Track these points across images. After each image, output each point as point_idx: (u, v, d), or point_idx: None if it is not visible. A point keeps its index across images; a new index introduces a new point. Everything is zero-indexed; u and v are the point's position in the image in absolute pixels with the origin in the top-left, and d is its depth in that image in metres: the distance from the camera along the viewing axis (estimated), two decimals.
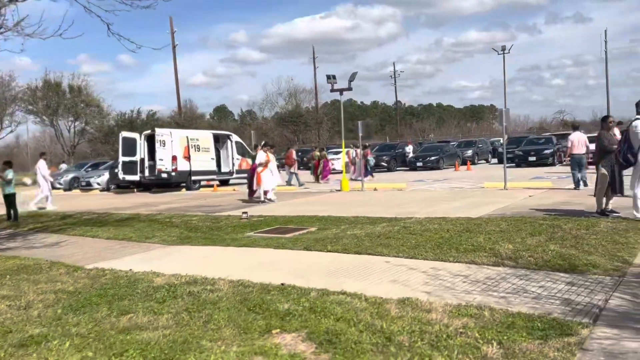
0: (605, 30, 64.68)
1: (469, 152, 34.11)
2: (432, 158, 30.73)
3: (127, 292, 5.43)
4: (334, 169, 28.33)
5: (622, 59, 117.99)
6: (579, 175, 14.50)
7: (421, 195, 15.25)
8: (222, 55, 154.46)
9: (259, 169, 15.59)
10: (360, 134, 18.00)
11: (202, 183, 24.47)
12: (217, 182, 24.76)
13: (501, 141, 45.66)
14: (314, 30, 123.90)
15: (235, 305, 4.76)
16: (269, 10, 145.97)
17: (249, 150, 27.42)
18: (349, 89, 18.35)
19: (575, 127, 15.84)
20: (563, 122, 65.53)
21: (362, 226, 9.51)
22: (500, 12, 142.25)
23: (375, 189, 18.17)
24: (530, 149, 28.19)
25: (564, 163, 28.38)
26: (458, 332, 3.87)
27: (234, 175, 26.16)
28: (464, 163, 31.28)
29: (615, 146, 8.90)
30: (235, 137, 26.58)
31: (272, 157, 16.03)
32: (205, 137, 24.54)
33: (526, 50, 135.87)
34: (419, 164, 30.57)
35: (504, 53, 51.12)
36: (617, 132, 10.55)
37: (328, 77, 18.51)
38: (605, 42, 59.28)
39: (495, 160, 35.17)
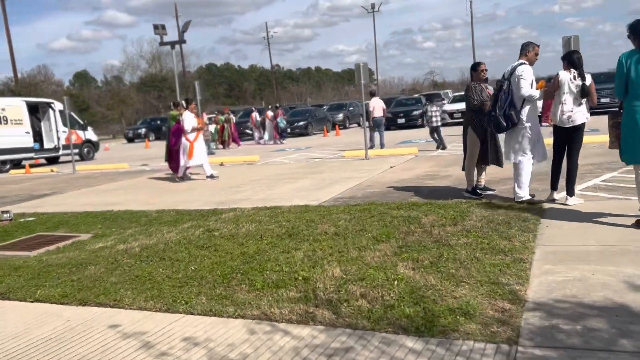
0: None
1: (340, 116, 32.07)
2: (300, 123, 28.24)
3: None
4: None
5: (486, 22, 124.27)
6: (377, 138, 16.11)
7: (269, 171, 12.53)
8: (87, 18, 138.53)
9: (190, 137, 11.13)
10: (198, 97, 14.76)
11: (38, 161, 19.88)
12: (34, 162, 20.22)
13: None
14: None
15: None
16: None
17: (79, 120, 22.91)
18: (182, 41, 14.94)
19: (372, 93, 16.43)
20: (434, 83, 66.80)
21: (155, 229, 6.53)
22: None
23: (221, 164, 15.15)
24: (399, 110, 26.70)
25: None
26: None
27: (62, 152, 21.62)
28: (334, 127, 29.22)
29: (489, 102, 6.71)
30: (59, 105, 21.86)
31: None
32: (14, 107, 19.67)
33: (399, 14, 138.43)
34: (287, 130, 27.96)
35: (373, 12, 49.80)
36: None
37: (155, 27, 14.89)
38: (471, 2, 60.60)
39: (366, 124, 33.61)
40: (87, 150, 22.72)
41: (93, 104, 71.34)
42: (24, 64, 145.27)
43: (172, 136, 11.75)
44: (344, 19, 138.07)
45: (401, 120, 25.99)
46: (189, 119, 11.23)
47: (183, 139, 11.27)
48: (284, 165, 13.40)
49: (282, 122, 23.62)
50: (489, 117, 6.36)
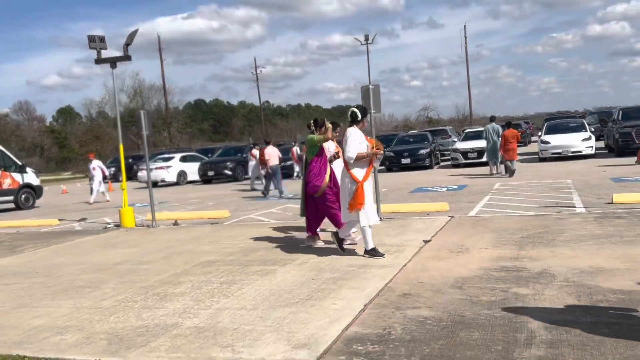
0: (465, 26, 64.00)
1: None
2: (287, 163, 24.18)
3: None
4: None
5: (471, 61, 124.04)
6: (272, 185, 15.43)
7: (235, 240, 8.42)
8: (78, 55, 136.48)
9: (358, 173, 6.17)
10: (144, 132, 10.77)
11: None
12: None
13: None
14: (177, 30, 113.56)
15: None
16: (127, 9, 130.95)
17: (15, 160, 18.76)
18: (126, 58, 11.04)
19: (267, 142, 16.64)
20: (429, 119, 63.63)
21: None
22: (360, 17, 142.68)
23: (175, 223, 11.04)
24: (403, 149, 22.85)
25: (440, 165, 23.69)
26: None
27: None
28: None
29: None
30: None
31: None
32: None
33: (386, 54, 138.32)
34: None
35: (367, 44, 46.81)
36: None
37: (91, 39, 11.03)
38: (465, 37, 58.01)
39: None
40: (24, 197, 18.46)
41: (74, 141, 67.26)
42: (10, 100, 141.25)
43: (315, 177, 7.04)
44: (332, 58, 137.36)
45: (406, 161, 22.11)
46: (355, 138, 6.15)
47: (346, 179, 6.30)
48: (259, 229, 9.29)
49: None
50: None
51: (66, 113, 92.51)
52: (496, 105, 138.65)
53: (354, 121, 6.29)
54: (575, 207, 8.93)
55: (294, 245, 7.37)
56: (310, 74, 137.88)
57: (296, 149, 23.66)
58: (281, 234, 8.48)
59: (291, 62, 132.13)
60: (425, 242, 6.88)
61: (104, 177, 18.81)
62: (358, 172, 6.16)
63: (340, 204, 6.49)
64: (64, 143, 72.30)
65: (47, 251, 8.85)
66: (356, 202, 6.07)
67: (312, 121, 7.34)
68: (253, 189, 18.39)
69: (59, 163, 66.68)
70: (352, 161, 6.11)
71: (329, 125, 7.08)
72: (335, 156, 7.30)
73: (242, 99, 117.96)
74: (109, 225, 11.63)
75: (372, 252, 6.22)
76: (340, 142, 6.84)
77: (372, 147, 6.19)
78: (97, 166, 18.57)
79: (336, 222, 6.94)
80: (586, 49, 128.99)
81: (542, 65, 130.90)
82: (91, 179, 18.71)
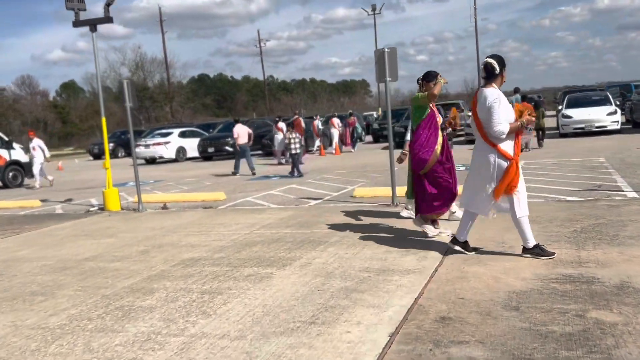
0: None
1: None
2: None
3: None
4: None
5: (478, 35, 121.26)
6: (246, 162, 14.98)
7: (228, 230, 7.25)
8: (82, 29, 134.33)
9: (507, 147, 4.57)
10: (128, 103, 9.55)
11: None
12: None
13: (374, 115, 39.70)
14: (181, 3, 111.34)
15: None
16: None
17: (1, 136, 17.57)
18: (107, 19, 9.73)
19: (236, 120, 17.30)
20: None
21: None
22: None
23: (164, 206, 9.89)
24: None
25: (453, 141, 22.36)
26: None
27: None
28: (330, 144, 23.97)
29: None
30: None
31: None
32: None
33: (392, 28, 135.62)
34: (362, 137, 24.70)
35: (374, 14, 44.95)
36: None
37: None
38: (475, 8, 55.78)
39: (370, 138, 28.47)
40: (12, 175, 17.35)
41: (75, 116, 66.00)
42: (14, 75, 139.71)
43: (421, 148, 5.55)
44: (337, 32, 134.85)
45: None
46: (500, 103, 4.53)
47: (486, 157, 4.62)
48: (257, 215, 8.11)
49: (359, 129, 23.00)
50: None
51: (69, 88, 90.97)
52: None
53: (489, 76, 4.60)
54: (623, 191, 7.69)
55: (295, 238, 6.19)
56: (314, 48, 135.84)
57: (317, 123, 23.19)
58: (281, 222, 7.29)
59: (295, 36, 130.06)
60: (450, 235, 5.66)
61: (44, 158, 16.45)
62: (507, 146, 4.56)
63: (472, 189, 4.80)
64: (67, 118, 71.12)
65: (14, 241, 7.72)
66: (510, 184, 4.51)
67: (423, 76, 5.69)
68: (280, 164, 17.99)
69: (61, 138, 65.59)
70: (503, 136, 4.51)
71: (442, 80, 5.47)
72: (451, 125, 5.81)
73: (246, 73, 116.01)
74: (92, 208, 10.53)
75: (538, 250, 4.64)
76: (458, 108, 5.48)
77: (522, 113, 4.59)
78: (37, 146, 16.35)
79: (429, 208, 5.54)
80: (594, 22, 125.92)
81: (549, 39, 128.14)
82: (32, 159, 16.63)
